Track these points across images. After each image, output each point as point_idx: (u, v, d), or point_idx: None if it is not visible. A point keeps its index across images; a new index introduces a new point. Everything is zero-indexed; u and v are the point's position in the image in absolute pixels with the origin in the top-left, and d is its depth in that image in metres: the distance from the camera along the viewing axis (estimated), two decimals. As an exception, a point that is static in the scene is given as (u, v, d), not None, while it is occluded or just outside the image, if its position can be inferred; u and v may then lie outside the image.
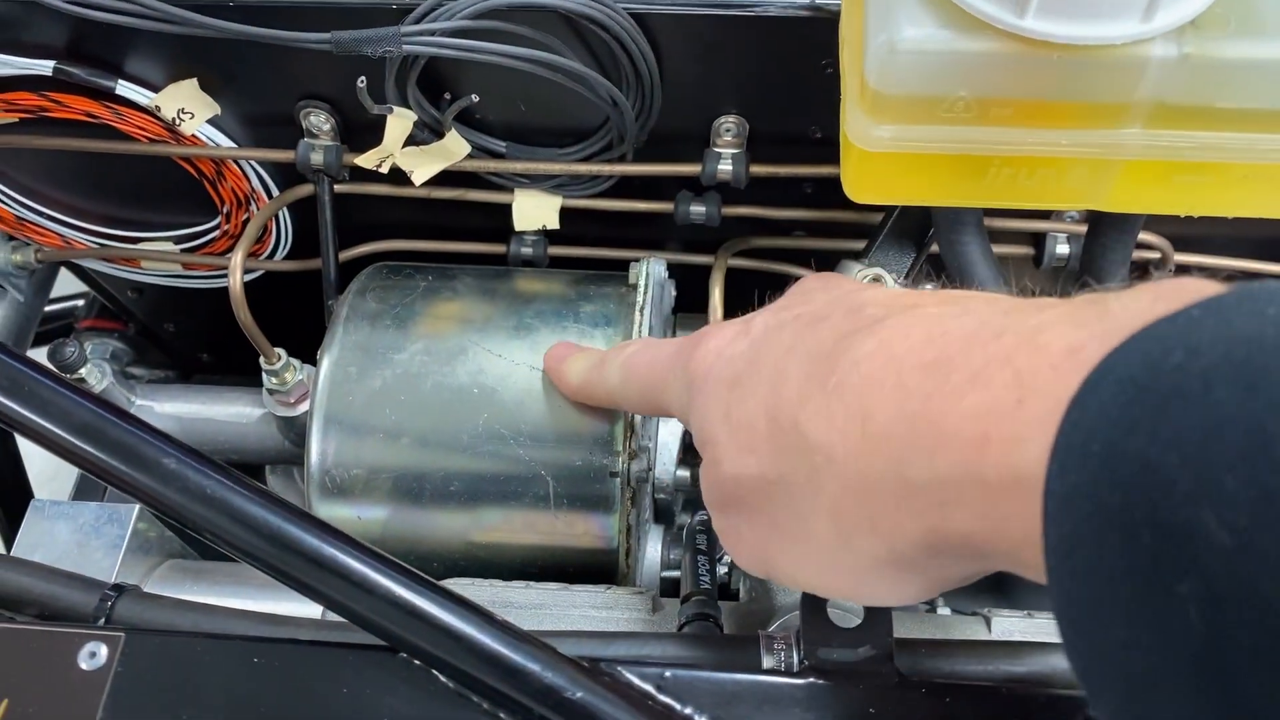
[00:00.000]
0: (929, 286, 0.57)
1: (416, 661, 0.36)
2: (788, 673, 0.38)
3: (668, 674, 0.36)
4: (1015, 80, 0.37)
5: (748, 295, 0.64)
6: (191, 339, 0.86)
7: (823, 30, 0.51)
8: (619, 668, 0.35)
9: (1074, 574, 0.23)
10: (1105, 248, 0.50)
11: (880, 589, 0.32)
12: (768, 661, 0.39)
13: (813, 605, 0.39)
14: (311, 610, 0.52)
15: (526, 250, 0.67)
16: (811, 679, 0.37)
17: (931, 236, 0.55)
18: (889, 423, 0.28)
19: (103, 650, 0.37)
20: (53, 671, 0.36)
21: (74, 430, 0.36)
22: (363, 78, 0.50)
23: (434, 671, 0.35)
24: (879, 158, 0.41)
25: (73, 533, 0.50)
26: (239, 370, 0.89)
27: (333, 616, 0.49)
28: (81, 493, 0.82)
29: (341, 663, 0.36)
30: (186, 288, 0.76)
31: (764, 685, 0.37)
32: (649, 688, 0.35)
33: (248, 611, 0.44)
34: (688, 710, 0.35)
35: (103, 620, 0.43)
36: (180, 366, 0.90)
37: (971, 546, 0.27)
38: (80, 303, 0.87)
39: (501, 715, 0.35)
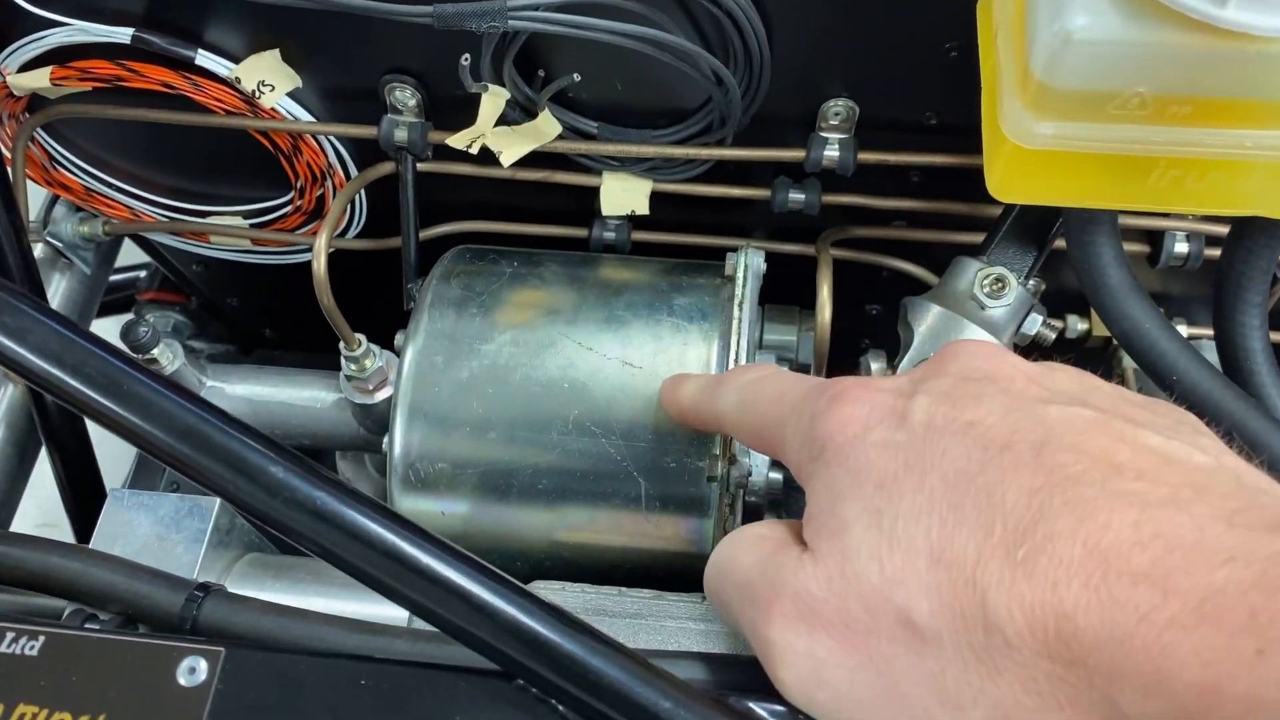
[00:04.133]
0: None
1: (534, 690, 0.33)
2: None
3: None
4: (1204, 76, 0.34)
5: (839, 286, 0.62)
6: (254, 314, 0.84)
7: (951, 10, 0.48)
8: (752, 704, 0.33)
9: None
10: (1250, 252, 0.47)
11: None
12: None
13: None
14: (400, 611, 0.51)
15: (609, 235, 0.64)
16: None
17: (1054, 234, 0.52)
18: (1094, 635, 0.24)
19: (202, 665, 0.35)
20: (150, 686, 0.34)
21: (177, 435, 0.34)
22: (466, 55, 0.47)
23: (553, 702, 0.33)
24: (1034, 155, 0.38)
25: (153, 525, 0.48)
26: (301, 346, 0.87)
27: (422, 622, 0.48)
28: (139, 476, 0.81)
29: (453, 689, 0.34)
30: (251, 263, 0.74)
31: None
32: (784, 727, 0.32)
33: (340, 618, 0.42)
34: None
35: (190, 623, 0.41)
36: (241, 340, 0.88)
37: None
38: (142, 274, 0.85)
39: (626, 751, 0.33)
